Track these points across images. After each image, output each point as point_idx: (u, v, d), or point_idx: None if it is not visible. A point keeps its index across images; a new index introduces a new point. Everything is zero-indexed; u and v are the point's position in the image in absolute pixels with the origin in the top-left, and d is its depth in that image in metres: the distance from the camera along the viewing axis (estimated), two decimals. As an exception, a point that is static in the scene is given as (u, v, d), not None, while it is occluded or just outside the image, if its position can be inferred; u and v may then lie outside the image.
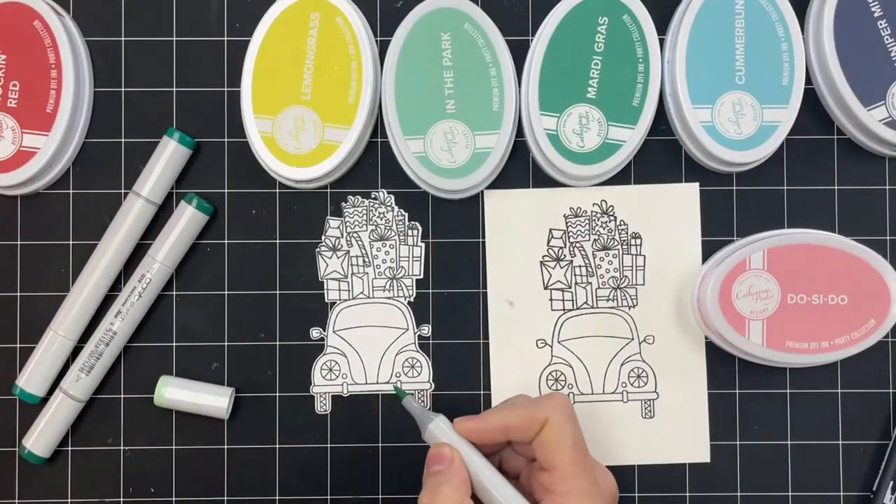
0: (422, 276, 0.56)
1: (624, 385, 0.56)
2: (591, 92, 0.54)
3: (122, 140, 0.56)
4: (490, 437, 0.49)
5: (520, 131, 0.56)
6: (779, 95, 0.54)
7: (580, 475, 0.47)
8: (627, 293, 0.56)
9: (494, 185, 0.56)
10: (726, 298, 0.53)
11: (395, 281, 0.56)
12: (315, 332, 0.56)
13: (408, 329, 0.56)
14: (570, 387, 0.56)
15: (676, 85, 0.54)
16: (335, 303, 0.56)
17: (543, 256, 0.56)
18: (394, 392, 0.55)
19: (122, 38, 0.56)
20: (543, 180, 0.56)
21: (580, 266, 0.56)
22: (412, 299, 0.56)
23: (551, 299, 0.56)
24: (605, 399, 0.56)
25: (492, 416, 0.49)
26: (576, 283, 0.56)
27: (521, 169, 0.56)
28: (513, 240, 0.56)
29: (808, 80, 0.56)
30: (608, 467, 0.51)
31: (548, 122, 0.54)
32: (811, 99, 0.56)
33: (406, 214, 0.56)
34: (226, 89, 0.56)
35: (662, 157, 0.56)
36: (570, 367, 0.56)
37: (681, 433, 0.56)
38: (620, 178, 0.56)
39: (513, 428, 0.48)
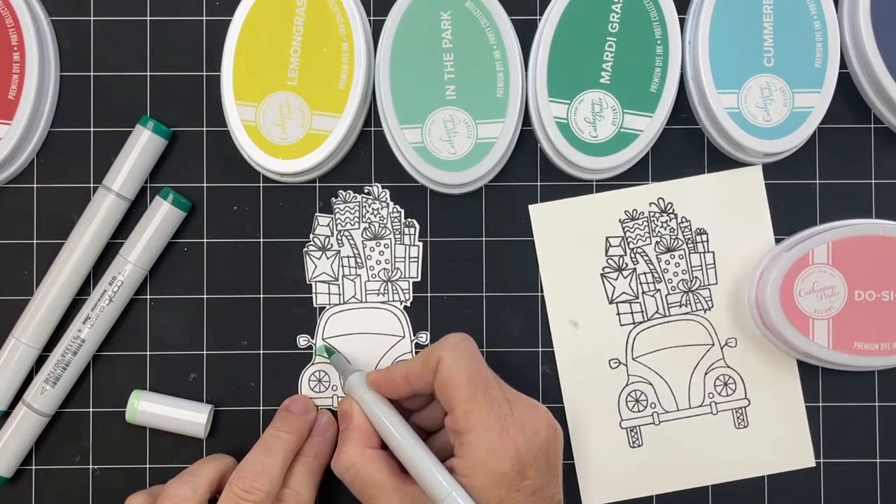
0: (419, 279, 0.56)
1: (711, 396, 0.55)
2: (604, 77, 0.53)
3: (91, 129, 0.56)
4: (397, 389, 0.50)
5: (526, 120, 0.55)
6: (811, 79, 0.53)
7: (483, 410, 0.47)
8: (700, 295, 0.55)
9: (499, 178, 0.55)
10: (788, 297, 0.52)
11: (390, 284, 0.55)
12: (302, 340, 0.55)
13: (404, 337, 0.55)
14: (653, 406, 0.55)
15: (699, 68, 0.53)
16: (324, 308, 0.55)
17: (603, 268, 0.55)
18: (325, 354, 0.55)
19: (92, 18, 0.56)
20: (552, 174, 0.56)
21: (645, 273, 0.55)
22: (409, 304, 0.55)
23: (618, 313, 0.55)
24: (692, 414, 0.55)
25: (396, 366, 0.51)
26: (643, 293, 0.55)
27: (527, 161, 0.56)
28: (567, 254, 0.55)
29: (843, 62, 0.55)
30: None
31: (557, 109, 0.53)
32: (846, 83, 0.56)
33: (402, 211, 0.56)
34: (204, 74, 0.56)
35: (684, 148, 0.56)
36: (650, 384, 0.55)
37: (780, 439, 0.55)
38: (637, 170, 0.56)
39: (413, 375, 0.49)
